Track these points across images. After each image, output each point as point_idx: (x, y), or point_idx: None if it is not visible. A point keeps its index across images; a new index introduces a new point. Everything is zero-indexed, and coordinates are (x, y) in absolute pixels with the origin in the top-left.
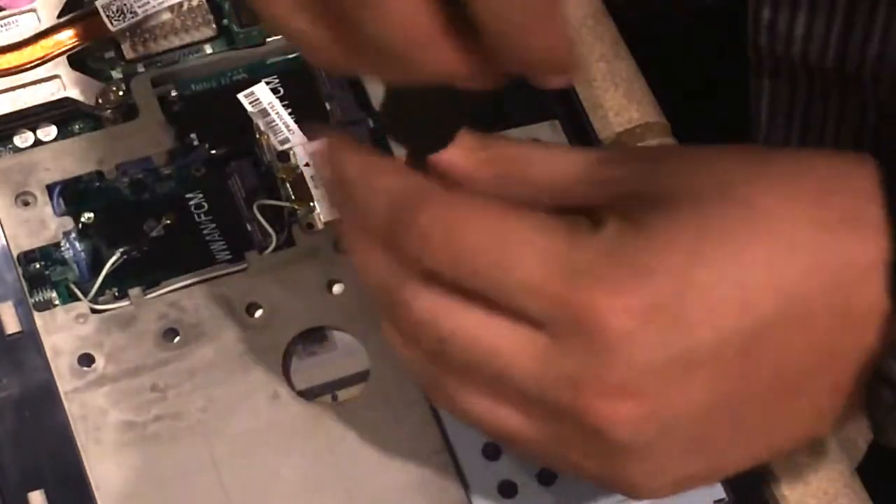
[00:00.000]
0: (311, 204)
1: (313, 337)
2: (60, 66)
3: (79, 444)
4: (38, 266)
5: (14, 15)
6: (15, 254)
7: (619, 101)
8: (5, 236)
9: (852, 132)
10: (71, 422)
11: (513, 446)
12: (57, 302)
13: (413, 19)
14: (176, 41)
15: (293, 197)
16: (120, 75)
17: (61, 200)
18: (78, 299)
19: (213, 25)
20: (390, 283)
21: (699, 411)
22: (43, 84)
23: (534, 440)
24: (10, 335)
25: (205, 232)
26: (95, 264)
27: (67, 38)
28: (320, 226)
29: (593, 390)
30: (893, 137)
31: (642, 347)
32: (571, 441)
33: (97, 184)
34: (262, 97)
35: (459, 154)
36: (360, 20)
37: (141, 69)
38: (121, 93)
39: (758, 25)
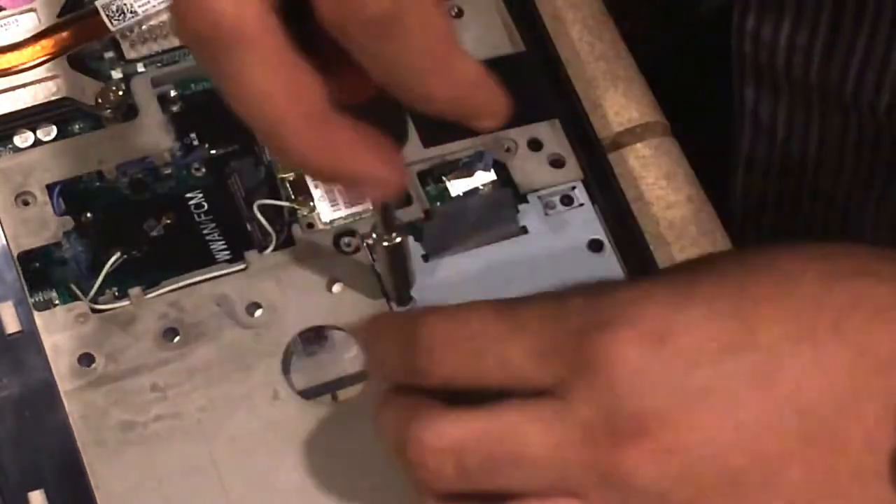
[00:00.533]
0: (311, 204)
1: (313, 337)
2: (60, 66)
3: (79, 443)
4: (38, 266)
5: (14, 15)
6: (15, 254)
7: (619, 100)
8: (5, 236)
9: (836, 143)
10: (71, 421)
11: None
12: (57, 302)
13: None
14: (176, 41)
15: (293, 197)
16: (120, 75)
17: (61, 200)
18: (78, 299)
19: None
20: (402, 423)
21: (721, 444)
22: (43, 84)
23: None
24: (10, 335)
25: (205, 232)
26: (95, 264)
27: (67, 38)
28: (320, 226)
29: (607, 438)
30: (875, 148)
31: (649, 380)
32: None
33: (97, 184)
34: None
35: None
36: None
37: (141, 69)
38: (121, 93)
39: (742, 33)
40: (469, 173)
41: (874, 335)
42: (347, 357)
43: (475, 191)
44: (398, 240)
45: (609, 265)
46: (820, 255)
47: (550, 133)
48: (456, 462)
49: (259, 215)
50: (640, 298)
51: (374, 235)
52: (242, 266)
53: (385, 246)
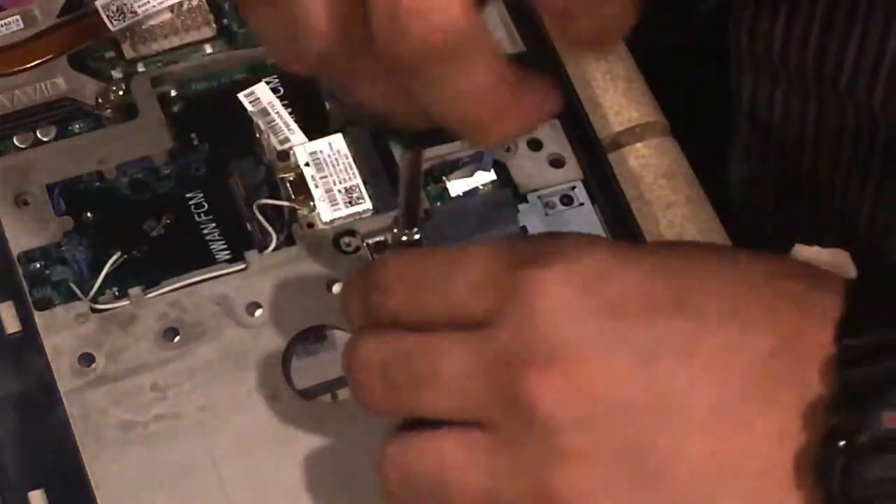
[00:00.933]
0: (311, 204)
1: (313, 336)
2: (60, 66)
3: (79, 443)
4: (38, 266)
5: (14, 15)
6: (15, 254)
7: (619, 100)
8: (5, 236)
9: (832, 132)
10: (71, 421)
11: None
12: (57, 301)
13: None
14: (176, 41)
15: (293, 197)
16: (120, 75)
17: (61, 200)
18: (78, 299)
19: (213, 25)
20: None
21: (626, 401)
22: (43, 84)
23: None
24: (10, 335)
25: (205, 232)
26: (95, 264)
27: (67, 38)
28: (320, 225)
29: (519, 363)
30: (871, 137)
31: (571, 318)
32: (504, 439)
33: (97, 184)
34: (262, 97)
35: None
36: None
37: (141, 69)
38: (121, 93)
39: (740, 24)
40: (469, 173)
41: (804, 330)
42: None
43: (475, 191)
44: (417, 237)
45: None
46: (777, 261)
47: (550, 133)
48: (382, 375)
49: (259, 215)
50: (584, 246)
51: (394, 230)
52: (242, 266)
53: (404, 241)
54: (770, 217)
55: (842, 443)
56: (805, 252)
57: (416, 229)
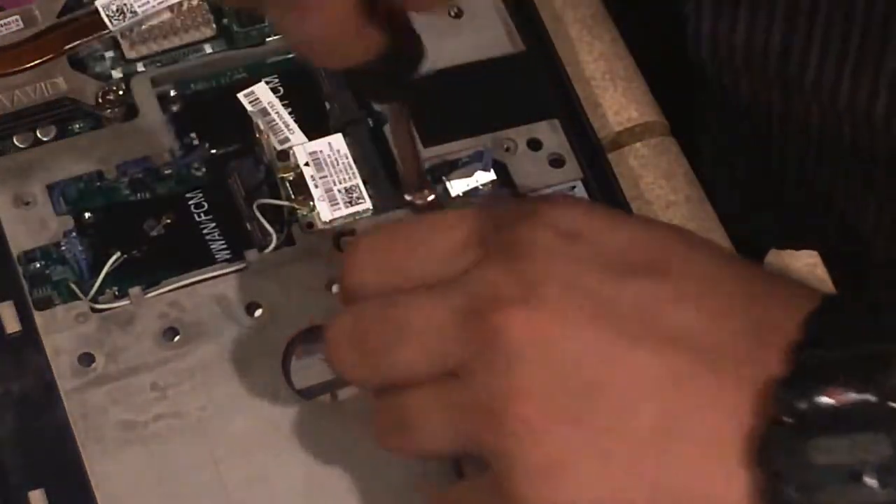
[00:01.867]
0: (311, 204)
1: (313, 336)
2: (60, 66)
3: (79, 443)
4: (38, 266)
5: (14, 15)
6: (15, 254)
7: (619, 100)
8: (5, 236)
9: (798, 127)
10: (71, 421)
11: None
12: (57, 301)
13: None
14: (176, 41)
15: (293, 196)
16: (120, 75)
17: (61, 200)
18: (78, 298)
19: (213, 25)
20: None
21: (587, 350)
22: (43, 84)
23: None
24: (10, 334)
25: (205, 231)
26: (95, 264)
27: (67, 38)
28: (320, 225)
29: (495, 299)
30: (872, 150)
31: (555, 264)
32: (467, 370)
33: (97, 184)
34: (262, 97)
35: None
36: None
37: (141, 69)
38: (121, 93)
39: (699, 32)
40: (469, 173)
41: (773, 318)
42: None
43: (475, 191)
44: (432, 198)
45: None
46: (755, 262)
47: (550, 133)
48: (358, 343)
49: (259, 215)
50: (566, 203)
51: (406, 197)
52: (242, 266)
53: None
54: (771, 231)
55: (789, 420)
56: (779, 256)
57: (429, 192)
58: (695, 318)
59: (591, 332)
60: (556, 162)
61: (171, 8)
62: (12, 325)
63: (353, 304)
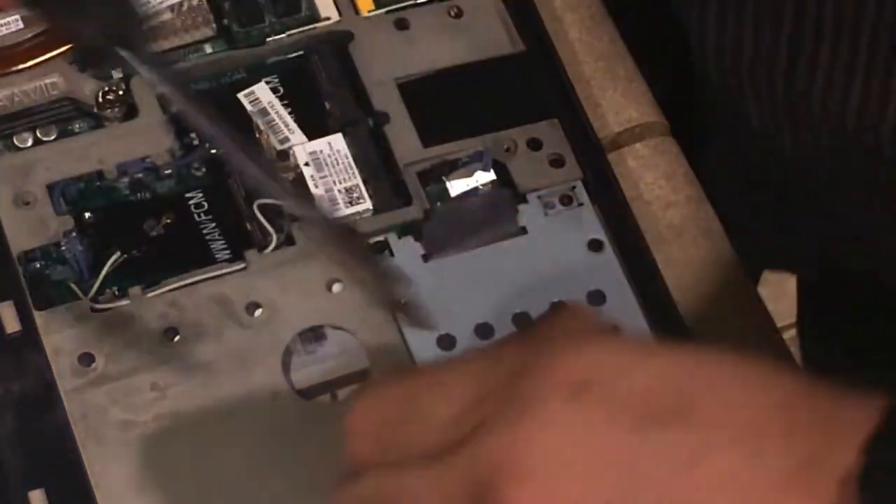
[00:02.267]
0: None
1: (313, 336)
2: (60, 66)
3: (79, 443)
4: (38, 265)
5: (14, 15)
6: (15, 254)
7: (618, 100)
8: (5, 236)
9: (810, 154)
10: (71, 421)
11: None
12: (57, 302)
13: None
14: (176, 41)
15: None
16: (120, 75)
17: (61, 200)
18: (78, 298)
19: (213, 25)
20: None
21: None
22: (43, 84)
23: None
24: (10, 334)
25: (205, 231)
26: (95, 264)
27: (67, 37)
28: None
29: (500, 472)
30: (846, 155)
31: (560, 428)
32: None
33: (97, 184)
34: (262, 97)
35: None
36: None
37: None
38: (121, 93)
39: (705, 41)
40: (469, 173)
41: (827, 452)
42: (347, 357)
43: (475, 191)
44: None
45: (609, 265)
46: (798, 374)
47: (550, 133)
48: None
49: (259, 215)
50: (574, 350)
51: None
52: (242, 266)
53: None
54: (772, 243)
55: None
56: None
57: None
58: (733, 463)
59: (607, 491)
60: (556, 162)
61: (171, 8)
62: (12, 325)
63: (355, 475)
